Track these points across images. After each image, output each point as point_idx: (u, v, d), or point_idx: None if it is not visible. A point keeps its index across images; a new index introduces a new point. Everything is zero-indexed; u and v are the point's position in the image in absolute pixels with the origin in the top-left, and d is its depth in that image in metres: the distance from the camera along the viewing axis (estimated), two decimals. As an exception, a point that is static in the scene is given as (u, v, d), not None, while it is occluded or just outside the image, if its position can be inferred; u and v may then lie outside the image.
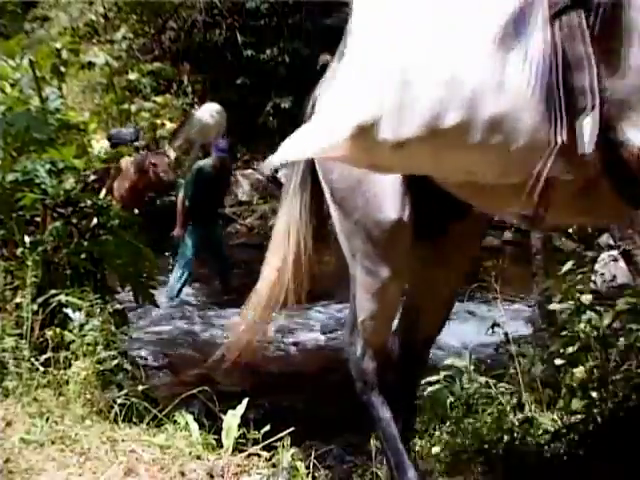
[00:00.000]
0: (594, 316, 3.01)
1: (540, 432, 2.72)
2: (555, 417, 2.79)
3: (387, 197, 2.21)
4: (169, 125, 11.70)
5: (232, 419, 2.84)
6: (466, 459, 2.73)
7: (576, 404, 2.80)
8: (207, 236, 7.17)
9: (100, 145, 8.54)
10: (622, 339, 3.02)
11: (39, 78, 4.19)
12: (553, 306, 3.48)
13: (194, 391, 4.04)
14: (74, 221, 3.80)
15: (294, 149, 1.82)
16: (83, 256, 3.73)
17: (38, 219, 4.00)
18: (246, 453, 2.69)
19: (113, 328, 3.27)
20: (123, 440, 2.70)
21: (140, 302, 4.39)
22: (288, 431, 2.74)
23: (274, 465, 2.61)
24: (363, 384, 2.55)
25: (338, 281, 7.85)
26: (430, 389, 3.12)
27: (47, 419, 2.76)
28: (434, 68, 1.58)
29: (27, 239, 3.78)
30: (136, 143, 8.82)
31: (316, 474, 2.70)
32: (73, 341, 3.13)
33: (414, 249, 2.30)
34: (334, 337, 6.20)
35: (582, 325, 2.97)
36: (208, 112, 9.04)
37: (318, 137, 1.73)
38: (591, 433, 2.71)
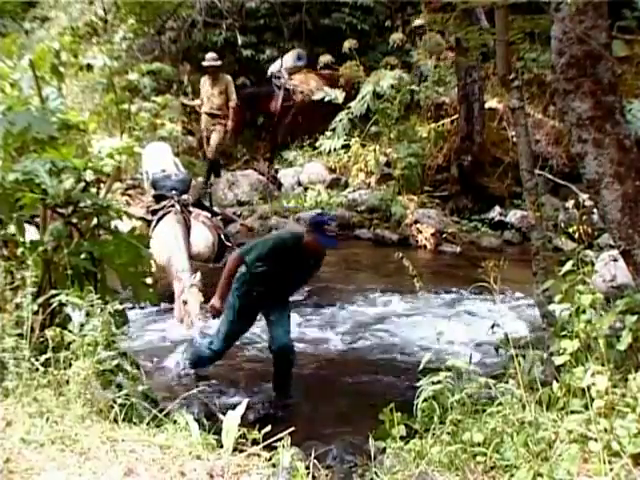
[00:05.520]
0: (594, 316, 3.01)
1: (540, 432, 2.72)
2: (555, 417, 2.78)
3: None
4: (169, 125, 11.70)
5: (232, 419, 2.85)
6: (466, 459, 2.72)
7: (576, 404, 2.80)
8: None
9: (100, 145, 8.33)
10: (622, 339, 3.02)
11: (39, 78, 4.18)
12: (553, 306, 3.47)
13: (194, 391, 4.04)
14: (74, 221, 3.79)
15: None
16: (83, 256, 3.73)
17: (38, 219, 4.00)
18: (246, 453, 2.69)
19: (113, 328, 3.26)
20: (123, 440, 2.70)
21: (139, 302, 4.40)
22: (288, 431, 2.74)
23: (274, 465, 2.61)
24: None
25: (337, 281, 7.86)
26: (430, 389, 3.11)
27: (47, 419, 2.76)
28: None
29: (27, 239, 3.78)
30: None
31: (316, 474, 2.70)
32: (73, 341, 3.13)
33: None
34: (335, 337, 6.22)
35: (582, 325, 2.97)
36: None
37: None
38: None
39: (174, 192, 6.91)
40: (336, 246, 4.88)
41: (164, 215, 6.70)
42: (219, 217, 8.45)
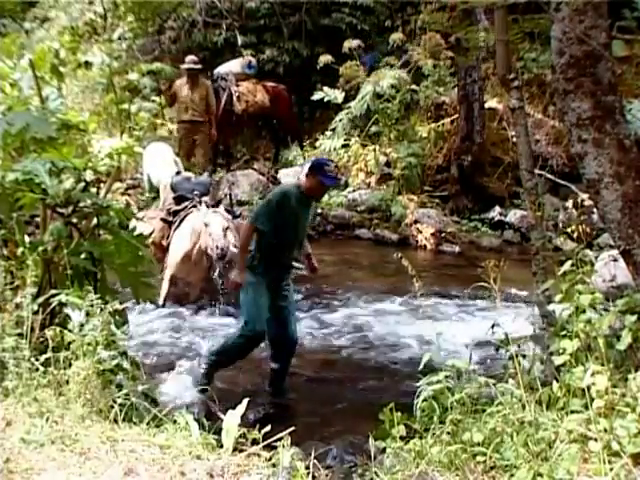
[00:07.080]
0: (594, 316, 3.01)
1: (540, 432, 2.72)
2: (555, 417, 2.78)
3: None
4: (169, 125, 11.70)
5: (232, 419, 2.85)
6: (466, 459, 2.72)
7: (576, 404, 2.80)
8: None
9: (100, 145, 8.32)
10: (622, 339, 3.02)
11: (39, 78, 4.18)
12: (553, 306, 3.47)
13: (194, 390, 4.06)
14: (74, 221, 3.79)
15: None
16: (83, 256, 3.73)
17: (38, 219, 4.00)
18: (246, 453, 2.69)
19: (113, 328, 3.26)
20: (123, 440, 2.70)
21: (139, 302, 4.39)
22: (288, 431, 2.74)
23: (274, 465, 2.62)
24: None
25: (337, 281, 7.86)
26: (430, 389, 3.11)
27: (47, 419, 2.77)
28: None
29: (27, 239, 3.78)
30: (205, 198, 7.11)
31: (316, 474, 2.70)
32: (73, 341, 3.13)
33: None
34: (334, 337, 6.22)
35: (582, 325, 2.97)
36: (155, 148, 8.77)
37: None
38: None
39: (195, 193, 6.92)
40: (335, 185, 5.86)
41: (186, 216, 6.72)
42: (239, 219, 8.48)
